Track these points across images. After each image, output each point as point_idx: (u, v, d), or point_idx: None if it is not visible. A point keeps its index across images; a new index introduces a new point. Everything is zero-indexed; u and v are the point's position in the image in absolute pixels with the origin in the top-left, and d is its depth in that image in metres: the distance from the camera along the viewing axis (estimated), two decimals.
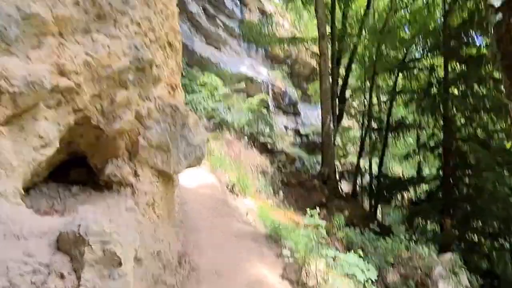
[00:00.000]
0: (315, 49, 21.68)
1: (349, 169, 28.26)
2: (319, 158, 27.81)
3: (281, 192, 14.01)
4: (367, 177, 21.69)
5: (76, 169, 4.80)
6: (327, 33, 17.05)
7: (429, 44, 17.25)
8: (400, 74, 18.38)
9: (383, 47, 18.00)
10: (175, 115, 4.41)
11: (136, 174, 4.36)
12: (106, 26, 3.99)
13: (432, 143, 16.86)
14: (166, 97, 4.51)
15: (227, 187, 9.03)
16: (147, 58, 4.16)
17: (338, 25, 18.51)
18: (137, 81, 4.24)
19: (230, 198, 8.53)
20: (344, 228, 10.03)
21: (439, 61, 17.01)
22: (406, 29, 19.50)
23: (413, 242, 11.03)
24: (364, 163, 20.19)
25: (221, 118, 16.39)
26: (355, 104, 25.27)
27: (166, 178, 4.75)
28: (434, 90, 16.57)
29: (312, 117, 30.67)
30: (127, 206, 4.10)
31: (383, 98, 21.63)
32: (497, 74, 16.70)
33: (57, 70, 3.56)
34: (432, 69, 16.84)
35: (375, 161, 22.62)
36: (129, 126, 4.18)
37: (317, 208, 14.79)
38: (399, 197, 17.97)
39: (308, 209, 6.90)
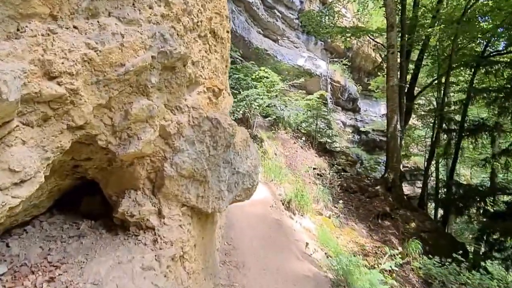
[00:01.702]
0: (379, 41, 19.66)
1: (410, 170, 26.04)
2: (380, 157, 25.82)
3: (340, 201, 12.44)
4: (431, 182, 19.53)
5: (90, 197, 3.63)
6: (396, 23, 15.06)
7: None
8: (479, 70, 15.96)
9: (459, 38, 15.69)
10: (216, 133, 3.07)
11: (160, 214, 3.09)
12: (120, 6, 2.72)
13: None
14: (205, 107, 3.18)
15: (282, 203, 7.66)
16: (178, 52, 2.85)
17: (409, 14, 16.39)
18: (164, 85, 2.95)
19: (286, 218, 7.14)
20: (420, 255, 8.32)
21: None
22: (484, 20, 16.94)
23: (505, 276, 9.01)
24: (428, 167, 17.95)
25: (277, 115, 15.00)
26: (420, 101, 22.86)
27: (203, 217, 3.45)
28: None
29: (372, 113, 28.53)
30: (144, 264, 2.84)
31: (454, 96, 19.23)
32: None
33: (41, 70, 2.32)
34: None
35: (443, 165, 20.30)
36: (151, 149, 2.91)
37: (379, 218, 13.10)
38: (473, 208, 15.65)
39: (387, 248, 5.26)
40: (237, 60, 15.38)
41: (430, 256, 8.04)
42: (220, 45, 3.60)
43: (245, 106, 12.20)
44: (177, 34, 2.91)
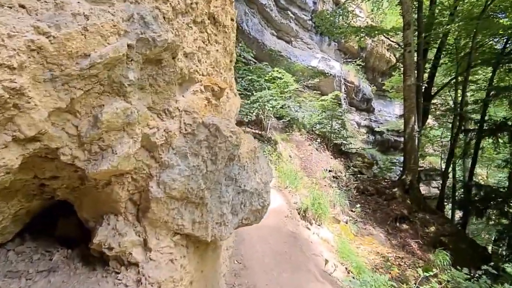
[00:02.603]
0: (394, 40, 18.68)
1: (425, 170, 24.91)
2: (394, 158, 24.78)
3: (358, 205, 11.59)
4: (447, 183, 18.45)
5: (65, 219, 2.93)
6: (413, 21, 14.10)
7: None
8: (499, 68, 14.84)
9: (479, 36, 14.62)
10: (215, 143, 2.33)
11: (146, 246, 2.36)
12: None
13: None
14: (202, 110, 2.44)
15: (298, 212, 6.86)
16: (164, 39, 2.11)
17: (425, 12, 15.39)
18: (148, 82, 2.21)
19: (302, 229, 6.34)
20: (449, 266, 7.41)
21: None
22: (505, 15, 15.78)
23: None
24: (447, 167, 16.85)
25: (292, 116, 14.20)
26: (435, 101, 21.75)
27: (202, 245, 2.70)
28: None
29: (387, 114, 27.49)
30: None
31: (473, 95, 18.10)
32: None
33: None
34: None
35: (460, 166, 19.19)
36: (130, 164, 2.18)
37: (397, 222, 12.19)
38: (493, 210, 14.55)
39: (420, 270, 4.44)
40: (251, 62, 14.64)
41: (459, 267, 7.18)
42: (222, 34, 2.86)
43: (258, 108, 11.45)
44: (164, 17, 2.17)
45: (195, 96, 2.48)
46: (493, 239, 22.25)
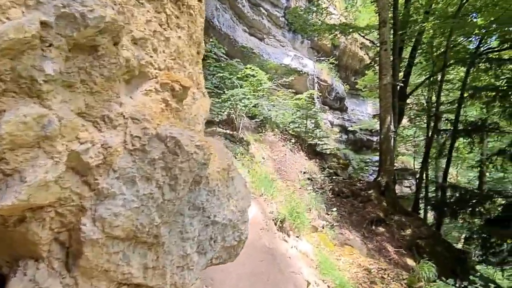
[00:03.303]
0: (369, 38, 18.44)
1: (397, 170, 24.97)
2: (367, 157, 24.74)
3: (334, 208, 11.18)
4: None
5: None
6: (389, 19, 13.82)
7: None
8: (474, 68, 14.79)
9: (454, 35, 14.50)
10: (175, 162, 1.70)
11: None
12: None
13: None
14: (157, 117, 1.80)
15: (275, 223, 6.27)
16: (99, 17, 1.46)
17: (401, 9, 15.17)
18: (79, 78, 1.57)
19: (279, 243, 5.73)
20: (434, 276, 7.02)
21: None
22: (477, 16, 15.79)
23: None
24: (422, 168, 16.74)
25: (265, 116, 13.63)
26: (409, 101, 21.75)
27: None
28: None
29: (360, 112, 27.44)
30: None
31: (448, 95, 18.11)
32: None
33: None
34: None
35: (432, 166, 19.20)
36: (50, 195, 1.52)
37: (373, 225, 11.92)
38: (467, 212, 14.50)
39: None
40: (222, 58, 13.96)
41: (444, 278, 6.84)
42: (186, 17, 2.21)
43: (230, 107, 10.82)
44: None
45: (148, 98, 1.84)
46: (463, 238, 22.59)
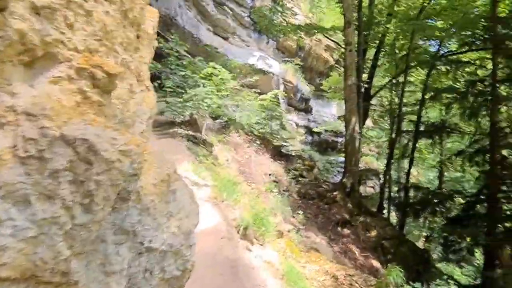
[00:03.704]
0: (335, 40, 18.38)
1: (362, 170, 25.17)
2: (331, 158, 24.75)
3: (300, 211, 10.91)
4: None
5: None
6: (353, 20, 13.74)
7: (473, 34, 13.88)
8: (434, 70, 14.99)
9: (416, 38, 14.65)
10: (89, 174, 1.24)
11: None
12: None
13: (473, 151, 13.57)
14: (65, 113, 1.34)
15: (237, 231, 5.82)
16: None
17: (365, 11, 15.17)
18: None
19: (242, 253, 5.27)
20: (402, 283, 6.79)
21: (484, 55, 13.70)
22: (437, 20, 16.05)
23: None
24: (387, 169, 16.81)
25: (229, 116, 13.19)
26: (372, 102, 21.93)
27: None
28: (477, 89, 13.21)
29: (324, 114, 27.49)
30: None
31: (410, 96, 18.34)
32: None
33: None
34: (481, 64, 13.50)
35: (394, 166, 19.40)
36: None
37: (339, 226, 11.75)
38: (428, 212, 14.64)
39: None
40: (185, 57, 13.41)
41: (411, 283, 6.65)
42: None
43: (192, 106, 10.30)
44: None
45: (57, 87, 1.36)
46: (424, 237, 23.02)
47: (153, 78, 11.64)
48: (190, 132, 10.92)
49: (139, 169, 1.41)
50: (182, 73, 10.85)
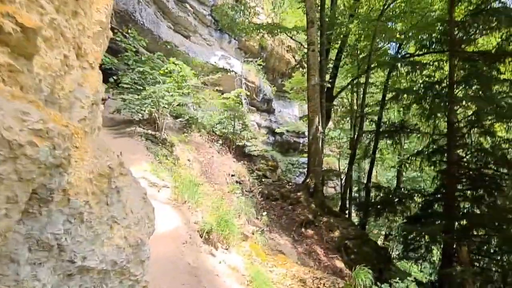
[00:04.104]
0: (297, 40, 18.28)
1: (323, 171, 25.27)
2: (294, 158, 24.69)
3: (264, 213, 10.59)
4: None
5: None
6: (316, 20, 13.63)
7: (430, 37, 14.16)
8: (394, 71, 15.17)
9: (377, 39, 14.78)
10: None
11: None
12: None
13: (431, 151, 13.81)
14: None
15: (200, 235, 5.37)
16: None
17: (328, 11, 15.11)
18: None
19: (205, 258, 4.81)
20: (370, 285, 6.59)
21: (441, 57, 14.00)
22: (395, 22, 16.32)
23: None
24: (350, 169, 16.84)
25: (190, 115, 12.68)
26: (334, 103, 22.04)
27: None
28: (435, 90, 13.46)
29: (286, 114, 27.45)
30: None
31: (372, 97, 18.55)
32: None
33: None
34: (438, 66, 13.76)
35: (355, 167, 19.60)
36: None
37: (303, 227, 11.56)
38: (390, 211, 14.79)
39: None
40: (145, 54, 12.77)
41: (379, 284, 6.49)
42: None
43: (152, 104, 9.74)
44: None
45: None
46: (383, 235, 23.42)
47: (110, 74, 10.99)
48: (150, 131, 10.35)
49: (67, 158, 1.00)
50: (141, 69, 10.24)
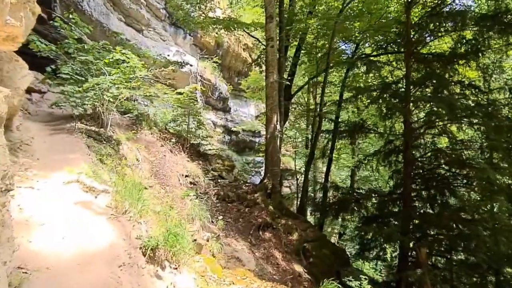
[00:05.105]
0: (255, 36, 17.44)
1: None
2: (250, 158, 23.86)
3: (220, 216, 9.64)
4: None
5: None
6: (276, 15, 12.83)
7: (386, 38, 13.87)
8: (352, 71, 14.77)
9: (336, 38, 14.26)
10: None
11: None
12: None
13: (387, 151, 13.49)
14: None
15: (143, 253, 4.08)
16: None
17: (287, 7, 14.38)
18: None
19: (149, 283, 3.72)
20: None
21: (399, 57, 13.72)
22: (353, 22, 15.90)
23: None
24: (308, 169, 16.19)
25: (140, 111, 11.43)
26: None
27: None
28: (392, 90, 13.16)
29: (243, 113, 26.58)
30: None
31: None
32: (472, 74, 13.92)
33: None
34: (395, 67, 13.46)
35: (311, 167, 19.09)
36: None
37: (260, 230, 10.67)
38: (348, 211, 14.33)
39: None
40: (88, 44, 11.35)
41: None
42: None
43: (95, 97, 8.45)
44: None
45: None
46: (337, 233, 23.22)
47: (48, 63, 9.55)
48: (93, 128, 9.04)
49: None
50: (83, 58, 8.90)
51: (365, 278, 9.14)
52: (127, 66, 8.86)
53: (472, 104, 12.24)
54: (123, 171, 7.10)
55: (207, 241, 7.71)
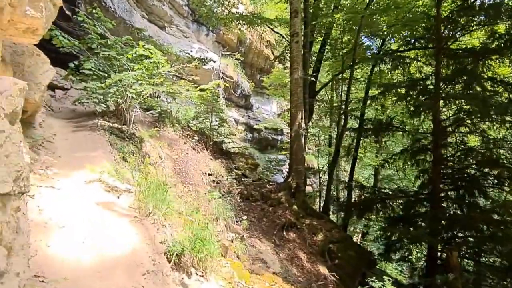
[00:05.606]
0: (271, 38, 17.02)
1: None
2: (272, 156, 23.47)
3: (244, 216, 9.33)
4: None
5: None
6: (300, 10, 12.38)
7: (413, 33, 13.24)
8: (377, 67, 14.17)
9: (362, 33, 13.71)
10: None
11: None
12: None
13: (415, 149, 12.89)
14: None
15: (168, 259, 3.77)
16: None
17: (312, 2, 13.91)
18: None
19: None
20: None
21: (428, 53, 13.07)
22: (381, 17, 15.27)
23: None
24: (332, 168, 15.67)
25: (163, 108, 11.20)
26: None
27: None
28: (422, 88, 12.54)
29: (265, 111, 26.18)
30: None
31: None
32: (504, 70, 13.16)
33: None
34: (424, 62, 12.84)
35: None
36: None
37: (284, 230, 10.29)
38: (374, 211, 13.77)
39: None
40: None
41: None
42: None
43: (118, 94, 8.23)
44: None
45: None
46: (360, 233, 22.60)
47: (70, 58, 9.41)
48: (116, 125, 8.84)
49: None
50: (106, 53, 8.69)
51: (388, 279, 8.76)
52: (150, 62, 8.61)
53: (505, 101, 11.60)
54: (146, 170, 6.83)
55: (232, 242, 7.41)
